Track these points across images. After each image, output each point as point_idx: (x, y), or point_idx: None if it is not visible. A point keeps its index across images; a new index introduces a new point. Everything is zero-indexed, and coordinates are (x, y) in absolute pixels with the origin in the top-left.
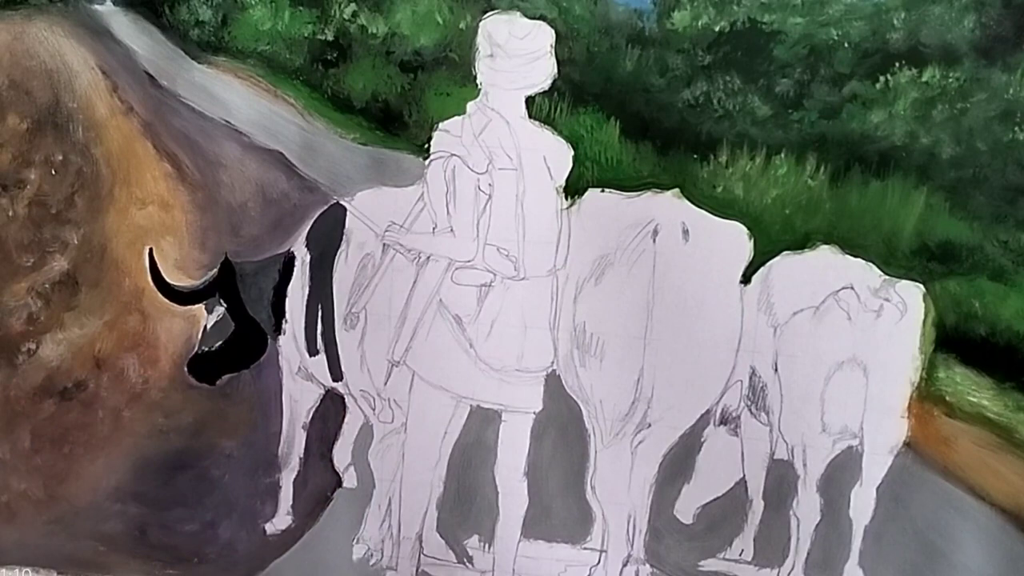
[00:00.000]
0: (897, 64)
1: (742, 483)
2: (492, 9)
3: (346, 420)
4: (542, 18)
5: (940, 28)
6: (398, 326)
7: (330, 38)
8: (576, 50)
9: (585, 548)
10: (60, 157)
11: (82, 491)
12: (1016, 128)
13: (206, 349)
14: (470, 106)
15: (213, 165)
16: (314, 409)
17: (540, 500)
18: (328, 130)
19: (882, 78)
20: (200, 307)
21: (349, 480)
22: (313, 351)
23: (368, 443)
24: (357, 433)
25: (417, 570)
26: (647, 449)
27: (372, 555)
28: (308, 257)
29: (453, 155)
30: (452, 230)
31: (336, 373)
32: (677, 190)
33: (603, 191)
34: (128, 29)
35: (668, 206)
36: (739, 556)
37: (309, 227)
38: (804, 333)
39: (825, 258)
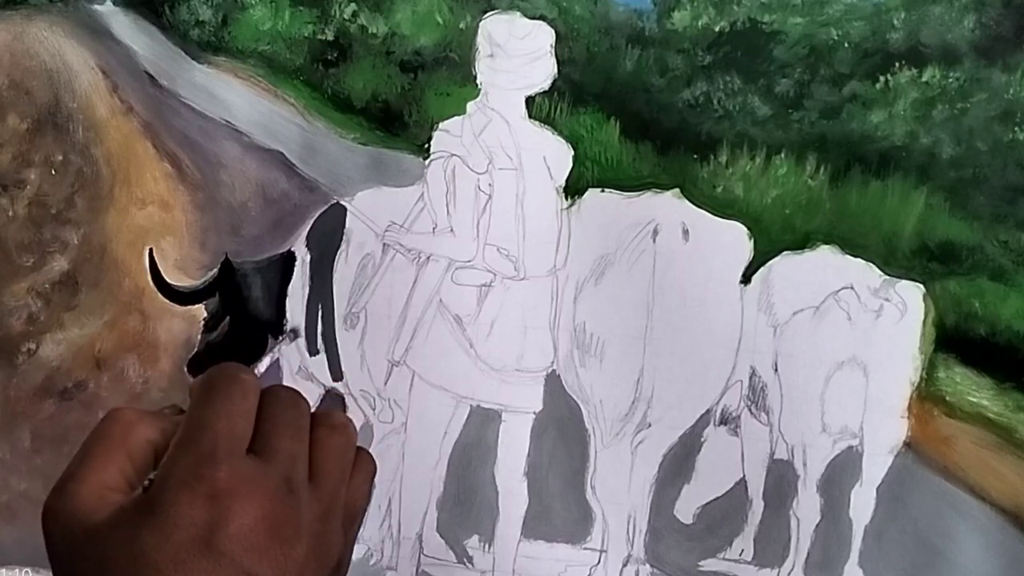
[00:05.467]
0: (897, 64)
1: (742, 483)
2: (492, 9)
3: None
4: (542, 18)
5: (940, 28)
6: (398, 326)
7: (330, 38)
8: (576, 50)
9: (585, 548)
10: (60, 157)
11: None
12: (1016, 128)
13: (205, 347)
14: (470, 106)
15: (213, 165)
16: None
17: (540, 500)
18: (328, 130)
19: (882, 78)
20: (200, 307)
21: None
22: (314, 351)
23: (368, 443)
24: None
25: (417, 570)
26: (647, 449)
27: (372, 555)
28: (308, 257)
29: (453, 155)
30: (452, 230)
31: (336, 373)
32: (677, 190)
33: (603, 191)
34: (128, 29)
35: (668, 206)
36: (739, 556)
37: (309, 227)
38: (804, 333)
39: (825, 258)
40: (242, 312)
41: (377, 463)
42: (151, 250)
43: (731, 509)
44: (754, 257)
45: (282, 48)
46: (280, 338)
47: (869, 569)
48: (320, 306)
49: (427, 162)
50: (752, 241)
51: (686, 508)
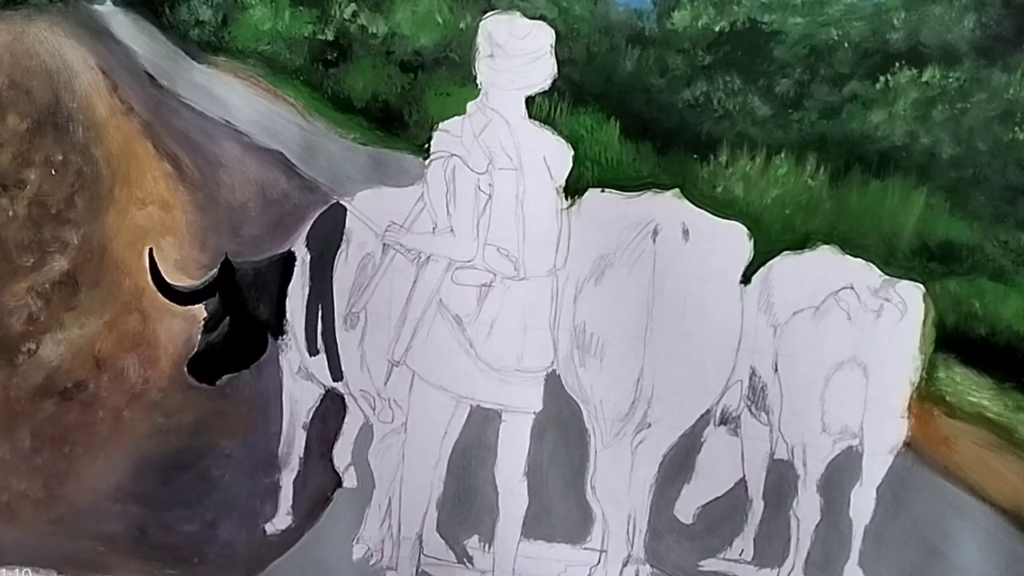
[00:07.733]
0: (897, 64)
1: (742, 483)
2: (492, 9)
3: (346, 420)
4: (542, 18)
5: (940, 28)
6: (398, 326)
7: (330, 38)
8: (576, 50)
9: (585, 548)
10: (60, 157)
11: (82, 491)
12: (1016, 128)
13: (205, 347)
14: (470, 106)
15: (213, 165)
16: (314, 409)
17: (540, 500)
18: (328, 130)
19: (882, 78)
20: (200, 307)
21: (349, 480)
22: (313, 351)
23: (368, 443)
24: (357, 433)
25: (417, 570)
26: (647, 449)
27: (372, 555)
28: (308, 257)
29: (453, 155)
30: (452, 230)
31: (336, 373)
32: (677, 190)
33: (603, 191)
34: (128, 29)
35: (668, 206)
36: (739, 556)
37: (309, 227)
38: (804, 333)
39: (825, 258)
40: (242, 312)
41: (378, 463)
42: (151, 250)
43: (731, 509)
44: (754, 257)
45: (282, 48)
46: (280, 338)
47: (869, 569)
48: (320, 306)
49: (427, 162)
50: (752, 241)
51: (686, 508)
